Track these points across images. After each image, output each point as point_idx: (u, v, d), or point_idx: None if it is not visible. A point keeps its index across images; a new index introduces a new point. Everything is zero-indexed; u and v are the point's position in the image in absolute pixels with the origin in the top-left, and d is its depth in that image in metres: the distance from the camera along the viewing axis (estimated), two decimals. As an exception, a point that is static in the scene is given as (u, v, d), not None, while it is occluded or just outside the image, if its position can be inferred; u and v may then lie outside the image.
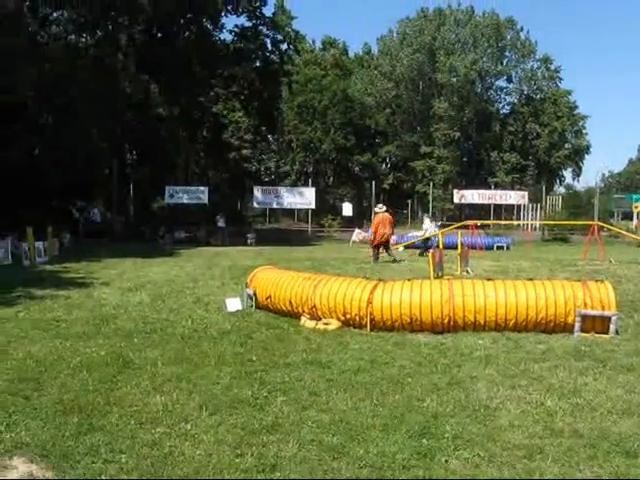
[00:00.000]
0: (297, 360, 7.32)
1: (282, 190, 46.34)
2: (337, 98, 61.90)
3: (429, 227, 25.95)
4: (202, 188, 42.04)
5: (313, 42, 71.36)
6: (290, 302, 9.81)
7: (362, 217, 50.85)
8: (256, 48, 42.36)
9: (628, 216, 53.84)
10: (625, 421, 5.36)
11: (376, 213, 21.50)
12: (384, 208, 21.14)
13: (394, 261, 19.28)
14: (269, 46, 43.15)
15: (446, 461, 4.53)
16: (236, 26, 42.53)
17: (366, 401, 5.83)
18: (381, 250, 20.02)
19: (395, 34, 67.88)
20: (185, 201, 41.12)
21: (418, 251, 23.64)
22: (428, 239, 24.12)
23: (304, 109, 62.72)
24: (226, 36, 43.67)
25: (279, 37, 43.53)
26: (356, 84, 65.58)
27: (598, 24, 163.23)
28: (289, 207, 47.55)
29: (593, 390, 6.22)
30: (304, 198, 44.64)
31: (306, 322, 9.34)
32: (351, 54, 72.88)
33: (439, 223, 28.88)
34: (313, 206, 44.85)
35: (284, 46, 44.44)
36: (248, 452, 4.67)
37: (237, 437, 4.96)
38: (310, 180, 52.32)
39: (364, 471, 4.38)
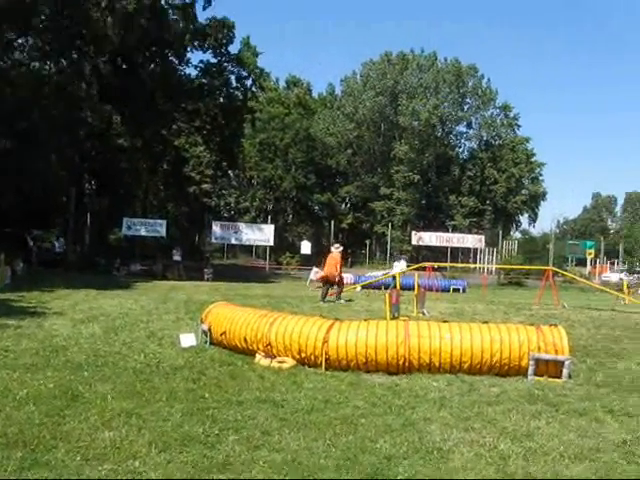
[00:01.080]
0: (250, 398, 7.21)
1: (241, 226, 46.33)
2: (299, 137, 62.48)
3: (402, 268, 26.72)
4: (160, 221, 41.82)
5: (277, 81, 72.20)
6: (245, 339, 9.70)
7: (320, 256, 50.92)
8: (220, 84, 42.54)
9: (582, 262, 54.89)
10: (577, 465, 5.37)
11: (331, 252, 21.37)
12: (340, 248, 21.06)
13: (324, 300, 19.13)
14: (233, 82, 43.38)
15: (398, 503, 4.49)
16: (201, 61, 42.78)
17: (319, 441, 5.75)
18: (331, 291, 19.95)
19: (359, 76, 68.99)
20: (142, 233, 40.80)
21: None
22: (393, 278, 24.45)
23: (266, 146, 63.15)
24: (191, 71, 43.88)
25: (244, 73, 43.80)
26: (319, 124, 66.23)
27: (558, 80, 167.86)
28: (248, 243, 47.54)
29: (546, 434, 6.23)
30: (263, 235, 44.65)
31: (261, 360, 9.23)
32: (315, 94, 73.79)
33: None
34: (272, 243, 44.88)
35: (248, 82, 44.70)
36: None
37: (187, 475, 4.84)
38: (269, 217, 52.51)
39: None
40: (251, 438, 5.76)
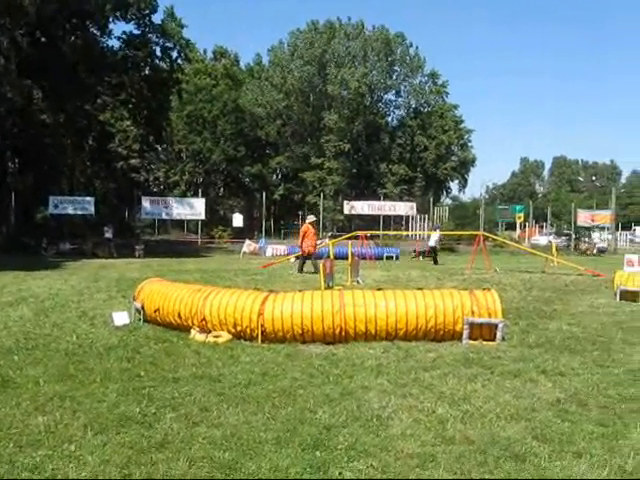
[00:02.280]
0: (187, 375, 7.11)
1: (171, 201, 45.69)
2: (228, 108, 61.73)
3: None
4: (88, 198, 40.87)
5: (204, 52, 71.00)
6: (179, 315, 9.57)
7: (253, 228, 50.71)
8: (145, 56, 41.57)
9: (511, 226, 56.09)
10: (513, 426, 5.47)
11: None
12: (310, 219, 21.12)
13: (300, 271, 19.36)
14: (158, 54, 42.44)
15: (340, 473, 4.47)
16: (124, 33, 41.67)
17: (258, 415, 5.70)
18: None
19: (286, 46, 68.32)
20: (70, 212, 39.86)
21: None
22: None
23: (194, 119, 62.21)
24: (114, 42, 42.66)
25: (169, 45, 42.86)
26: (247, 95, 65.47)
27: (486, 46, 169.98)
28: (178, 218, 46.89)
29: (482, 396, 6.34)
30: (194, 209, 44.12)
31: (196, 335, 9.12)
32: (242, 64, 72.87)
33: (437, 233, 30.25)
34: (203, 217, 44.42)
35: (174, 54, 43.79)
36: (136, 472, 4.46)
37: (124, 457, 4.73)
38: (200, 191, 51.82)
39: (257, 488, 4.27)
40: (189, 415, 5.68)
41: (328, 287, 13.68)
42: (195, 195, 51.68)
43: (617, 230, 55.23)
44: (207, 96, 61.67)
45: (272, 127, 66.39)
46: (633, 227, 71.88)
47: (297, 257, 26.11)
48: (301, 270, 19.61)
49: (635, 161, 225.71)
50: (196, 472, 4.47)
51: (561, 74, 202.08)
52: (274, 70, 67.16)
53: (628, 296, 14.09)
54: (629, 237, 62.81)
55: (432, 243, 28.36)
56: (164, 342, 8.95)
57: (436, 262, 26.71)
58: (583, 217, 49.46)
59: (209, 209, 47.14)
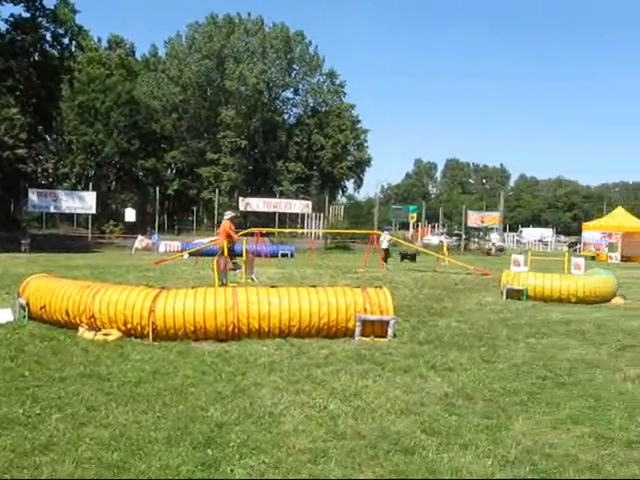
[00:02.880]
0: (74, 373, 6.88)
1: (60, 194, 44.16)
2: (122, 100, 60.15)
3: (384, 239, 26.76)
4: (-29, 189, 39.00)
5: (99, 40, 68.87)
6: (67, 312, 9.25)
7: (146, 224, 49.72)
8: (34, 41, 39.82)
9: (405, 226, 57.28)
10: (403, 420, 5.59)
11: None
12: (228, 215, 20.69)
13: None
14: (49, 39, 40.79)
15: (232, 470, 4.44)
16: (12, 15, 39.74)
17: (148, 414, 5.59)
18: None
19: (184, 38, 67.28)
20: (-49, 204, 37.94)
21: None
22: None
23: (86, 109, 60.30)
24: (0, 25, 40.71)
25: (60, 31, 41.24)
26: (142, 86, 64.01)
27: (381, 45, 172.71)
28: (68, 212, 45.40)
29: (373, 392, 6.44)
30: (84, 203, 42.83)
31: (84, 333, 8.85)
32: (138, 55, 71.23)
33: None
34: (94, 211, 43.20)
35: (66, 41, 42.12)
36: (19, 476, 4.29)
37: (6, 460, 4.52)
38: (91, 184, 50.28)
39: (151, 488, 4.17)
40: (76, 415, 5.50)
41: (222, 284, 13.57)
42: (86, 188, 50.11)
43: (505, 231, 57.35)
44: (100, 86, 59.88)
45: (167, 121, 65.24)
46: (520, 228, 74.75)
47: (190, 254, 25.87)
48: (235, 266, 19.21)
49: (523, 165, 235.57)
50: (83, 474, 4.33)
51: (456, 78, 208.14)
52: (171, 63, 65.97)
53: (514, 294, 14.65)
54: (516, 238, 65.38)
55: (385, 245, 26.62)
56: (50, 340, 8.63)
57: (386, 262, 25.43)
58: (473, 218, 51.10)
59: (100, 203, 45.88)
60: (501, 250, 44.64)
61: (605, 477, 4.54)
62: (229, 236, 19.39)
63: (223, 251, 17.38)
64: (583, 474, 4.56)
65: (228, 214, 20.62)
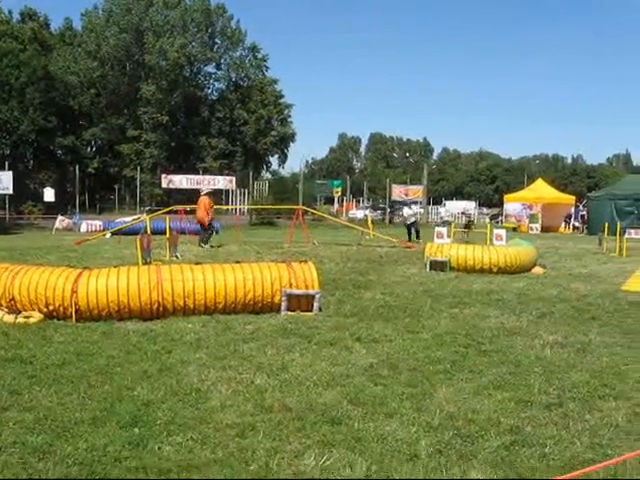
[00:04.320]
0: (-6, 358, 6.72)
1: (-26, 174, 42.50)
2: (37, 75, 58.04)
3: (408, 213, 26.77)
4: None
5: (10, 13, 66.15)
6: (-16, 295, 8.99)
7: (66, 203, 48.47)
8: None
9: (330, 200, 57.49)
10: (329, 392, 5.66)
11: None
12: (206, 190, 21.78)
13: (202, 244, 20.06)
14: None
15: (159, 448, 4.41)
16: None
17: (73, 395, 5.49)
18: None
19: (101, 11, 65.29)
20: None
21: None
22: None
23: (-1, 86, 58.04)
24: None
25: (-33, 4, 39.62)
26: (58, 61, 61.83)
27: (304, 19, 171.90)
28: (-18, 193, 43.78)
29: (300, 365, 6.50)
30: (0, 183, 41.33)
31: (4, 316, 8.60)
32: (52, 28, 68.72)
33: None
34: (11, 192, 41.60)
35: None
36: None
37: None
38: (7, 164, 48.52)
39: (73, 469, 4.08)
40: (-3, 400, 5.38)
41: (146, 263, 13.39)
42: (1, 168, 48.35)
43: (429, 204, 58.20)
44: (14, 61, 57.67)
45: (86, 97, 63.35)
46: (444, 202, 76.00)
47: (113, 233, 25.40)
48: (206, 242, 20.32)
49: (446, 139, 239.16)
50: (7, 459, 4.22)
51: (379, 52, 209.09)
52: (88, 36, 63.88)
53: (437, 266, 14.93)
54: (440, 211, 66.46)
55: (412, 220, 26.46)
56: (-33, 324, 8.38)
57: (418, 236, 24.89)
58: (397, 191, 51.62)
59: (17, 183, 44.32)
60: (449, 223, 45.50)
61: (524, 438, 4.71)
62: (206, 212, 19.80)
63: (146, 229, 17.14)
64: (504, 436, 4.72)
65: (205, 189, 21.21)
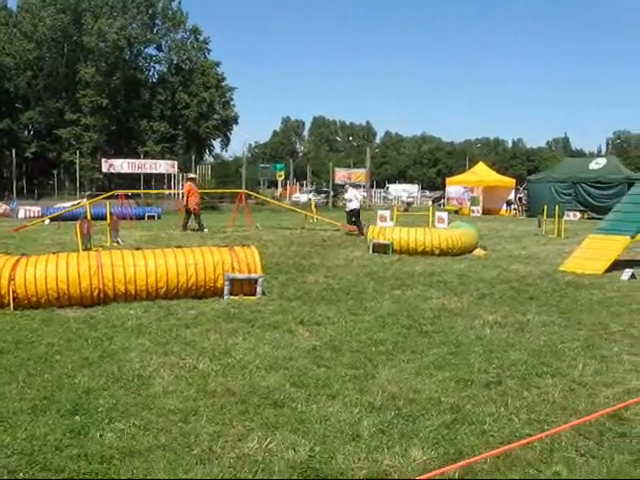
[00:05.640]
0: None
1: None
2: (-29, 58, 56.34)
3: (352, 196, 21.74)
4: None
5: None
6: None
7: (2, 189, 47.27)
8: None
9: (273, 184, 57.33)
10: (272, 375, 5.69)
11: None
12: (190, 176, 23.20)
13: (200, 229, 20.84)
14: None
15: (101, 435, 4.38)
16: None
17: (12, 385, 5.40)
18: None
19: (37, -10, 63.46)
20: None
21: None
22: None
23: None
24: None
25: None
26: (-7, 43, 60.05)
27: (248, 3, 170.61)
28: None
29: (243, 349, 6.51)
30: None
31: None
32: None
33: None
34: (-56, 176, 40.60)
35: None
36: None
37: None
38: (-60, 147, 47.17)
39: (13, 459, 4.03)
40: None
41: (86, 249, 13.19)
42: None
43: (372, 188, 58.51)
44: (-55, 42, 55.92)
45: (22, 79, 61.56)
46: (387, 185, 76.49)
47: (51, 219, 24.93)
48: (185, 227, 21.07)
49: (388, 123, 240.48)
50: (-59, 452, 4.15)
51: (322, 35, 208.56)
52: (23, 17, 61.96)
53: (380, 249, 15.08)
54: (383, 194, 66.93)
55: (355, 205, 21.39)
56: None
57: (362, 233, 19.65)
58: (340, 175, 51.78)
59: (-49, 168, 43.15)
60: (410, 204, 45.99)
61: (465, 416, 4.81)
62: (190, 197, 20.36)
63: (86, 214, 16.87)
64: (445, 415, 4.81)
65: (190, 175, 21.88)
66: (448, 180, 49.83)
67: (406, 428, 4.58)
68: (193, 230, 20.77)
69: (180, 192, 42.89)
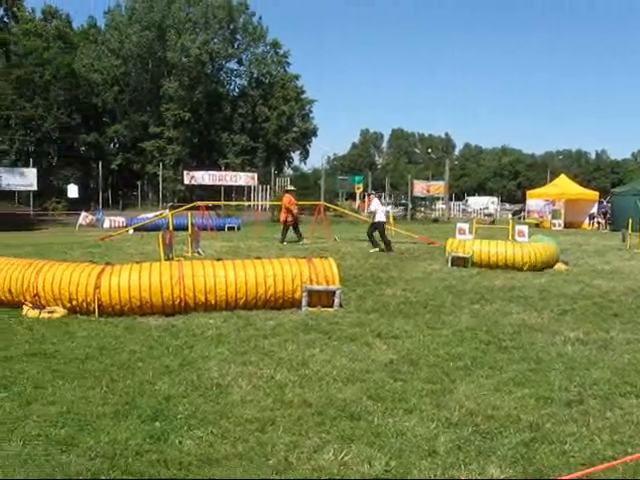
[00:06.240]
0: (19, 352, 6.79)
1: (0, 170, 42.92)
2: (61, 73, 58.51)
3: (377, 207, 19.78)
4: None
5: (33, 11, 66.60)
6: (10, 291, 9.09)
7: (89, 199, 48.81)
8: (-33, 12, 38.48)
9: (351, 196, 57.41)
10: (349, 387, 5.68)
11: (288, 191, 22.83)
12: (287, 188, 22.99)
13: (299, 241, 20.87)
14: (-19, 11, 39.41)
15: (180, 442, 4.46)
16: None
17: (96, 389, 5.56)
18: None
19: (123, 9, 65.66)
20: None
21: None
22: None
23: (24, 83, 58.53)
24: None
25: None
26: (82, 59, 62.24)
27: (326, 15, 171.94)
28: (8, 189, 44.18)
29: (320, 361, 6.51)
30: (25, 179, 41.60)
31: (29, 311, 8.72)
32: (75, 26, 69.19)
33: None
34: (35, 188, 42.07)
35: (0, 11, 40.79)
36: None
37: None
38: (31, 160, 48.96)
39: (96, 462, 4.14)
40: (22, 393, 5.44)
41: (168, 259, 13.48)
42: (26, 165, 48.76)
43: (451, 200, 57.91)
44: (38, 59, 58.13)
45: (109, 94, 63.74)
46: (466, 197, 75.61)
47: (135, 229, 25.59)
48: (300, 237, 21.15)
49: (468, 134, 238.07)
50: (31, 451, 4.30)
51: (401, 47, 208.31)
52: (111, 34, 64.27)
53: (459, 262, 14.88)
54: (462, 207, 66.15)
55: (382, 217, 19.42)
56: (-7, 319, 8.50)
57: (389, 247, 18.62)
58: (419, 187, 51.37)
59: (42, 180, 44.67)
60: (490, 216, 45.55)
61: (544, 435, 4.70)
62: (289, 210, 20.34)
63: (169, 225, 17.25)
64: (524, 433, 4.71)
65: (288, 187, 21.82)
66: (529, 193, 48.82)
67: (484, 445, 4.50)
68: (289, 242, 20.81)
69: (260, 204, 43.45)
